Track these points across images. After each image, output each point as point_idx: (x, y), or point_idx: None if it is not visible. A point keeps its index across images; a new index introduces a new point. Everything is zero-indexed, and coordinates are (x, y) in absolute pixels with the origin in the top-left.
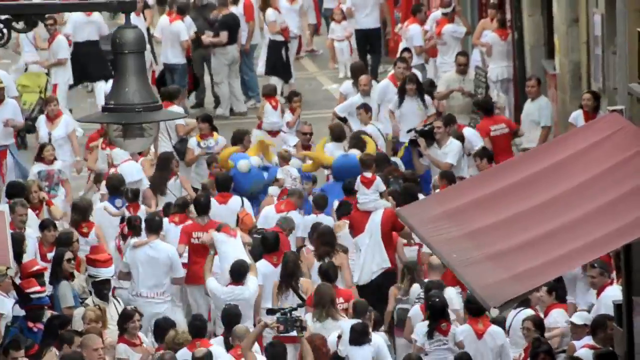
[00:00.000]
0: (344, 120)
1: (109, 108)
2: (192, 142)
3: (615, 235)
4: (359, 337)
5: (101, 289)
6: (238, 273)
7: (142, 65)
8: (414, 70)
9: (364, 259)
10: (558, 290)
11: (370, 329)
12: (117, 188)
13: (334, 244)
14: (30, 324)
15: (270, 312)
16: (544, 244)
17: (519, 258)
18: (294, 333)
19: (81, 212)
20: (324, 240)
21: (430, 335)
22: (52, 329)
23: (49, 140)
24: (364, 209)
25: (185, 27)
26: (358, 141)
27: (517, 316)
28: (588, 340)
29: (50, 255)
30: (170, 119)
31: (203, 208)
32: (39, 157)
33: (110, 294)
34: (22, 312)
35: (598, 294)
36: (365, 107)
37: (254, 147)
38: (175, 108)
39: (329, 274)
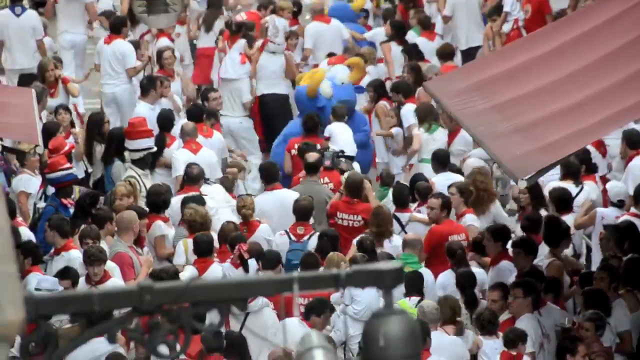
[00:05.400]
0: None
1: None
2: None
3: None
4: None
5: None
6: None
7: None
8: None
9: None
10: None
11: None
12: None
13: None
14: (64, 201)
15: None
16: (573, 115)
17: (547, 129)
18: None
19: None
20: None
21: None
22: (83, 207)
23: None
24: None
25: None
26: None
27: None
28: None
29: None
30: None
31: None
32: None
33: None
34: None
35: (626, 164)
36: None
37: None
38: None
39: None
